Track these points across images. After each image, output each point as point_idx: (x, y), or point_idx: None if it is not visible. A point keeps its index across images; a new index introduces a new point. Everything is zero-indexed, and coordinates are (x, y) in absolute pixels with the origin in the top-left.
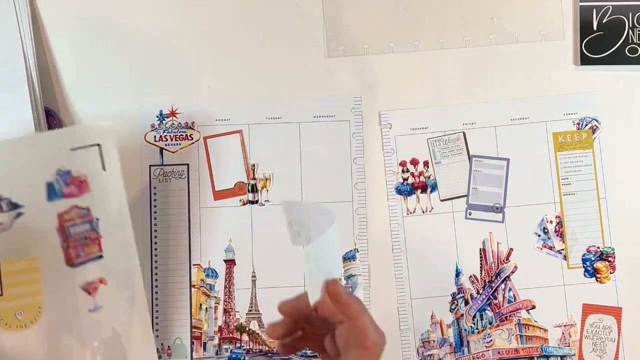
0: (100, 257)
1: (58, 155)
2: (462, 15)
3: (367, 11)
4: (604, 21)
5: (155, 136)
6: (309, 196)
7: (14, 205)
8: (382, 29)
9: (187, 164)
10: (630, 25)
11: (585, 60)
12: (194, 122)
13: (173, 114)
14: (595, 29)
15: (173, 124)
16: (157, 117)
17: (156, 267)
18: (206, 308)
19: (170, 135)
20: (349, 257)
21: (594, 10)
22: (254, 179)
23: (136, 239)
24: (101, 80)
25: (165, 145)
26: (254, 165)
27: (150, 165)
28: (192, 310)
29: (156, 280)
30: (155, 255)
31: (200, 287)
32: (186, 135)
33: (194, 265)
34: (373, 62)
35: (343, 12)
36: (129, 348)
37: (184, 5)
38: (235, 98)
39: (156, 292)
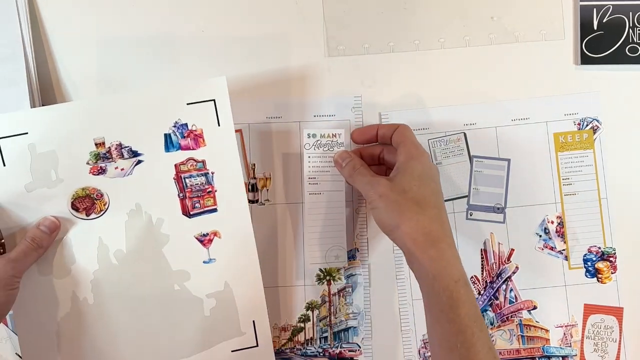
0: (215, 210)
1: (175, 109)
2: (462, 15)
3: (367, 11)
4: (604, 21)
5: None
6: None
7: (134, 153)
8: (382, 29)
9: None
10: (631, 25)
11: (585, 60)
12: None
13: None
14: (595, 28)
15: None
16: None
17: None
18: None
19: None
20: (349, 257)
21: (594, 9)
22: (254, 178)
23: None
24: (100, 80)
25: None
26: (254, 164)
27: None
28: None
29: None
30: None
31: None
32: None
33: None
34: (373, 62)
35: (343, 12)
36: (240, 304)
37: (184, 4)
38: (235, 97)
39: None
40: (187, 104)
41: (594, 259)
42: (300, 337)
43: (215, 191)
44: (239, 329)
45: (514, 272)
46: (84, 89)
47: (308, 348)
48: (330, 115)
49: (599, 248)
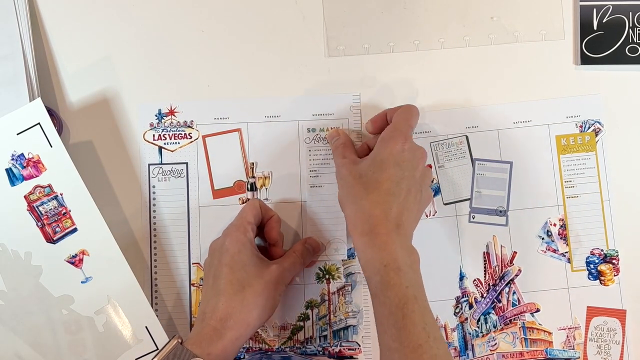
0: (76, 229)
1: (7, 142)
2: (462, 15)
3: (367, 11)
4: (604, 21)
5: (154, 135)
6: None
7: None
8: (382, 29)
9: (186, 163)
10: (631, 25)
11: (585, 60)
12: (192, 121)
13: (172, 112)
14: (595, 28)
15: (172, 122)
16: (156, 115)
17: (155, 267)
18: None
19: (169, 134)
20: (349, 255)
21: (594, 9)
22: (253, 177)
23: (135, 238)
24: (100, 79)
25: (164, 144)
26: (253, 163)
27: (149, 164)
28: (192, 309)
29: (156, 279)
30: (155, 255)
31: (200, 285)
32: (185, 134)
33: (193, 264)
34: (373, 62)
35: (343, 12)
36: (128, 314)
37: (183, 4)
38: (234, 97)
39: (156, 291)
40: (17, 133)
41: (597, 261)
42: (300, 336)
43: (70, 211)
44: (134, 337)
45: (516, 275)
46: (83, 87)
47: (308, 347)
48: (329, 114)
49: (602, 250)
